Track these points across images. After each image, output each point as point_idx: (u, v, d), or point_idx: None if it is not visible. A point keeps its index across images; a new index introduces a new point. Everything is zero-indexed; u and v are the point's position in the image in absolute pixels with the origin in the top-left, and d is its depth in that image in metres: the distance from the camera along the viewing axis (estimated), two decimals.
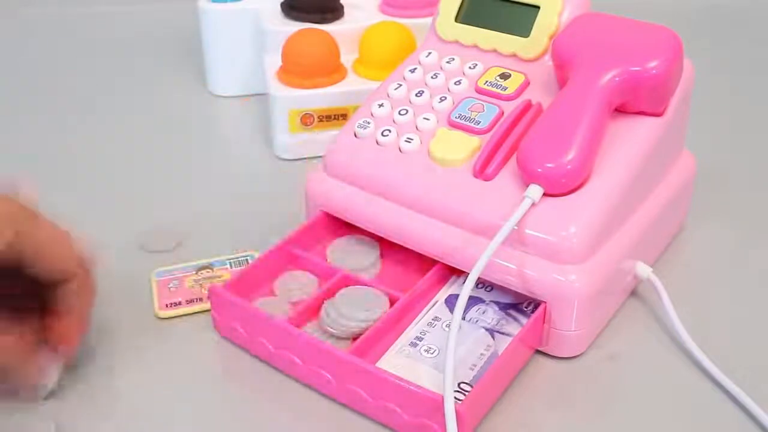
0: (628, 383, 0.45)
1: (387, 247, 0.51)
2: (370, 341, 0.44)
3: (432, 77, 0.53)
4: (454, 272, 0.49)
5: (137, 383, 0.44)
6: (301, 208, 0.54)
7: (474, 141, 0.48)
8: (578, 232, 0.43)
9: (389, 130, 0.50)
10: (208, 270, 0.51)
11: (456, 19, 0.55)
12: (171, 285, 0.50)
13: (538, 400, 0.43)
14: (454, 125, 0.50)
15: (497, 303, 0.47)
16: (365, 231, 0.50)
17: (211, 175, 0.64)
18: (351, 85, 0.65)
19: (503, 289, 0.46)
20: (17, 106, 0.75)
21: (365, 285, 0.47)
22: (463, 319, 0.46)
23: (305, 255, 0.50)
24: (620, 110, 0.47)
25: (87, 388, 0.44)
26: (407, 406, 0.40)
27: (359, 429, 0.41)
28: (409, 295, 0.46)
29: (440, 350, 0.44)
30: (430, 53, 0.55)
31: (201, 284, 0.50)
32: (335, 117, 0.65)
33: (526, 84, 0.51)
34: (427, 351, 0.44)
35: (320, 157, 0.53)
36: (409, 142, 0.49)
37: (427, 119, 0.50)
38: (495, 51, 0.53)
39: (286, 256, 0.50)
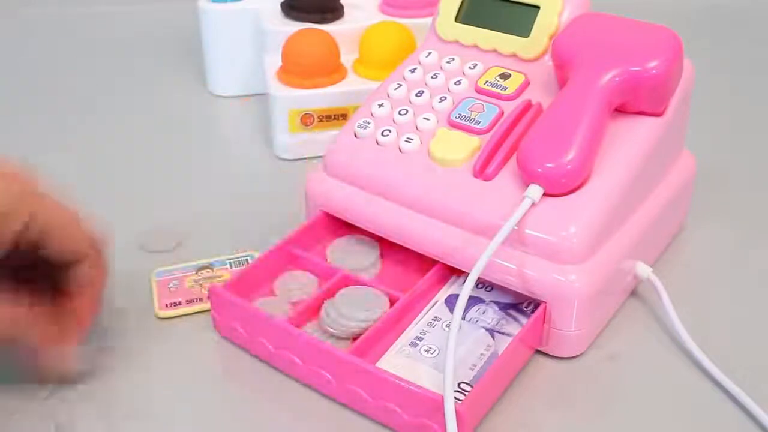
0: (628, 383, 0.45)
1: (387, 247, 0.51)
2: (370, 341, 0.44)
3: (432, 77, 0.53)
4: (454, 272, 0.49)
5: (137, 383, 0.44)
6: (301, 208, 0.54)
7: (474, 141, 0.48)
8: (578, 232, 0.43)
9: (389, 130, 0.50)
10: (208, 270, 0.51)
11: (456, 19, 0.55)
12: (171, 285, 0.50)
13: (538, 400, 0.43)
14: (454, 125, 0.50)
15: (497, 303, 0.47)
16: (365, 231, 0.50)
17: (211, 175, 0.64)
18: (351, 85, 0.65)
19: (503, 289, 0.46)
20: (17, 106, 0.75)
21: (365, 285, 0.47)
22: (463, 319, 0.46)
23: (305, 255, 0.50)
24: (620, 110, 0.47)
25: (87, 388, 0.44)
26: (407, 406, 0.40)
27: (359, 429, 0.41)
28: (409, 295, 0.46)
29: (440, 350, 0.44)
30: (430, 53, 0.55)
31: (201, 284, 0.50)
32: (335, 117, 0.65)
33: (526, 84, 0.51)
34: (427, 351, 0.44)
35: (320, 157, 0.53)
36: (409, 142, 0.49)
37: (427, 119, 0.50)
38: (495, 51, 0.53)
39: (286, 256, 0.50)
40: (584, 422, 0.42)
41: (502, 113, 0.49)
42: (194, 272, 0.51)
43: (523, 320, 0.46)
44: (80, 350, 0.43)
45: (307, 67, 0.64)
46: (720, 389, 0.43)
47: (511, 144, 0.47)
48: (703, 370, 0.45)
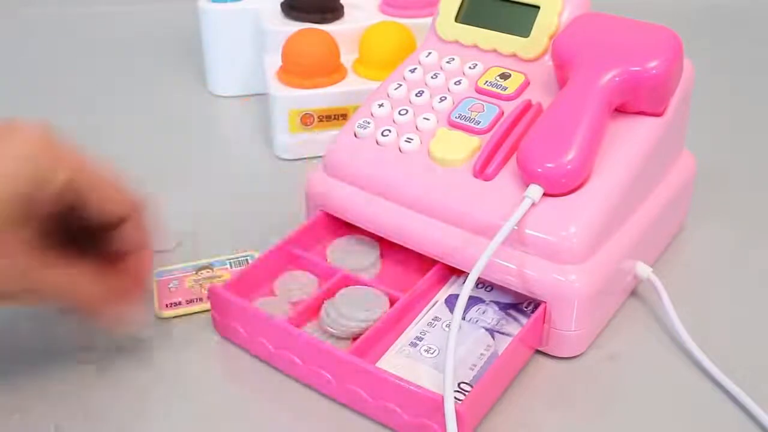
0: (628, 383, 0.45)
1: (387, 247, 0.51)
2: (370, 341, 0.44)
3: (432, 77, 0.53)
4: (454, 272, 0.49)
5: (137, 383, 0.44)
6: (301, 208, 0.54)
7: (474, 141, 0.48)
8: (578, 232, 0.43)
9: (389, 130, 0.50)
10: (208, 270, 0.51)
11: (456, 19, 0.55)
12: (171, 285, 0.50)
13: (538, 400, 0.43)
14: (454, 125, 0.50)
15: (497, 303, 0.47)
16: (365, 231, 0.50)
17: (211, 175, 0.64)
18: (351, 85, 0.65)
19: (503, 289, 0.46)
20: (17, 106, 0.74)
21: (365, 285, 0.47)
22: (463, 319, 0.46)
23: (305, 255, 0.50)
24: (620, 110, 0.47)
25: (86, 388, 0.44)
26: (407, 406, 0.40)
27: (359, 429, 0.41)
28: (409, 295, 0.46)
29: (440, 350, 0.44)
30: (430, 53, 0.55)
31: (201, 284, 0.50)
32: (335, 117, 0.65)
33: (526, 84, 0.51)
34: (427, 351, 0.44)
35: (320, 157, 0.53)
36: (409, 142, 0.49)
37: (427, 119, 0.50)
38: (495, 51, 0.53)
39: (286, 256, 0.50)
40: (584, 422, 0.42)
41: (502, 113, 0.49)
42: (194, 272, 0.51)
43: (523, 320, 0.46)
44: (135, 312, 0.43)
45: (307, 67, 0.64)
46: (720, 389, 0.43)
47: (511, 144, 0.47)
48: (703, 370, 0.45)
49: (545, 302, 0.44)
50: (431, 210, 0.47)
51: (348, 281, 0.48)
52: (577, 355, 0.46)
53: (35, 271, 0.38)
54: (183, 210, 0.59)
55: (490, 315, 0.46)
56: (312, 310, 0.46)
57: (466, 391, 0.41)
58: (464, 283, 0.42)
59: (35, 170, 0.37)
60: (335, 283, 0.47)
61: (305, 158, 0.65)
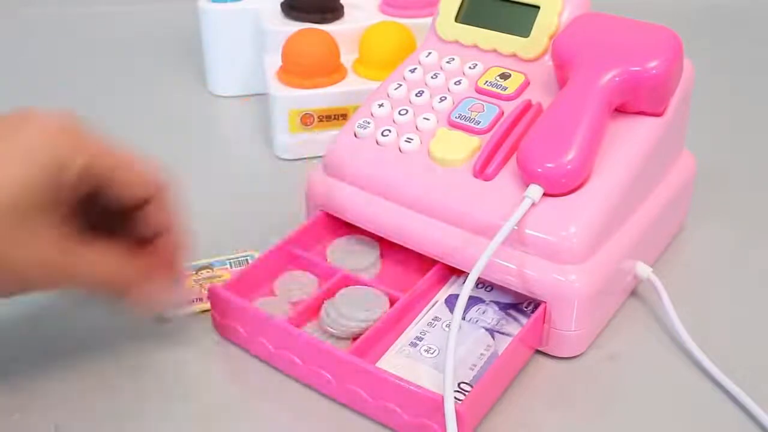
0: (628, 383, 0.45)
1: (387, 247, 0.51)
2: (370, 341, 0.44)
3: (432, 77, 0.53)
4: (454, 272, 0.49)
5: (137, 383, 0.44)
6: (301, 208, 0.54)
7: (474, 141, 0.48)
8: (578, 232, 0.43)
9: (389, 130, 0.50)
10: (208, 270, 0.51)
11: (456, 19, 0.55)
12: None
13: (538, 400, 0.43)
14: (454, 125, 0.50)
15: (497, 303, 0.47)
16: (365, 231, 0.50)
17: (211, 175, 0.64)
18: (351, 85, 0.65)
19: (503, 289, 0.46)
20: (17, 106, 0.75)
21: (365, 285, 0.47)
22: (463, 319, 0.46)
23: (305, 255, 0.50)
24: (620, 110, 0.47)
25: (86, 388, 0.44)
26: (407, 406, 0.40)
27: (359, 429, 0.41)
28: (409, 295, 0.46)
29: (440, 350, 0.44)
30: (430, 53, 0.55)
31: (201, 284, 0.50)
32: (335, 117, 0.65)
33: (526, 84, 0.51)
34: (427, 351, 0.44)
35: (320, 157, 0.53)
36: (409, 142, 0.49)
37: (427, 119, 0.50)
38: (495, 51, 0.53)
39: (286, 256, 0.50)
40: (584, 422, 0.42)
41: (502, 113, 0.49)
42: (194, 272, 0.51)
43: (523, 320, 0.46)
44: (165, 293, 0.43)
45: (307, 67, 0.64)
46: (720, 389, 0.43)
47: (511, 144, 0.47)
48: (703, 370, 0.45)
49: (545, 302, 0.44)
50: (431, 210, 0.47)
51: (348, 281, 0.48)
52: (577, 355, 0.46)
53: (65, 257, 0.38)
54: (183, 210, 0.59)
55: (490, 315, 0.46)
56: (312, 310, 0.46)
57: (466, 391, 0.41)
58: (464, 283, 0.42)
59: (54, 156, 0.37)
60: (335, 283, 0.47)
61: (305, 158, 0.65)
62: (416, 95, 0.52)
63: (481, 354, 0.44)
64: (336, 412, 0.42)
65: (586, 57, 0.46)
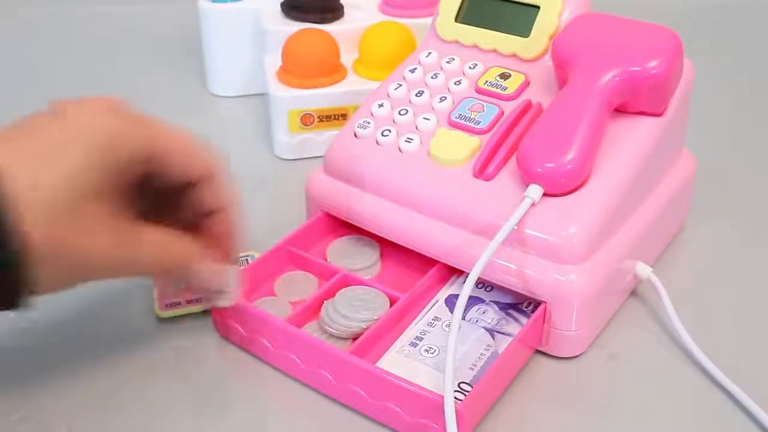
0: (628, 383, 0.45)
1: (387, 247, 0.51)
2: (370, 341, 0.44)
3: (432, 77, 0.53)
4: (454, 272, 0.49)
5: (137, 383, 0.44)
6: (301, 208, 0.54)
7: (474, 141, 0.48)
8: (578, 232, 0.43)
9: (389, 130, 0.50)
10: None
11: (456, 19, 0.55)
12: (171, 285, 0.50)
13: (538, 400, 0.43)
14: (454, 125, 0.50)
15: (497, 303, 0.47)
16: (365, 231, 0.50)
17: None
18: (351, 85, 0.65)
19: (503, 289, 0.46)
20: (17, 106, 0.74)
21: (365, 285, 0.47)
22: (463, 319, 0.46)
23: (305, 255, 0.50)
24: (620, 110, 0.47)
25: (86, 388, 0.44)
26: (407, 406, 0.40)
27: (359, 429, 0.41)
28: (409, 295, 0.46)
29: (440, 350, 0.44)
30: (430, 53, 0.55)
31: None
32: (335, 117, 0.65)
33: (526, 84, 0.51)
34: (427, 351, 0.44)
35: (320, 157, 0.53)
36: (409, 142, 0.49)
37: (427, 119, 0.50)
38: (495, 51, 0.53)
39: (286, 256, 0.50)
40: (584, 422, 0.42)
41: (502, 113, 0.49)
42: None
43: (523, 320, 0.46)
44: (222, 273, 0.43)
45: (307, 67, 0.64)
46: (720, 389, 0.43)
47: (511, 144, 0.47)
48: (703, 370, 0.45)
49: (545, 302, 0.44)
50: (431, 210, 0.47)
51: (348, 281, 0.48)
52: (577, 355, 0.46)
53: (125, 243, 0.38)
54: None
55: (490, 315, 0.46)
56: (312, 310, 0.46)
57: (466, 391, 0.41)
58: (464, 283, 0.42)
59: (109, 139, 0.37)
60: (335, 283, 0.47)
61: (305, 158, 0.65)
62: (416, 95, 0.52)
63: (481, 354, 0.44)
64: (336, 412, 0.42)
65: (586, 57, 0.46)
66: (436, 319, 0.46)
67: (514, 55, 0.53)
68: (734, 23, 0.95)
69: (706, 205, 0.58)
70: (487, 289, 0.48)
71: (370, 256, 0.51)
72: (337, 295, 0.47)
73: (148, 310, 0.48)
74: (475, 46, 0.54)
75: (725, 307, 0.50)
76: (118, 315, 0.48)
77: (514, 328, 0.45)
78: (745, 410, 0.42)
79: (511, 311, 0.46)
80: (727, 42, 0.90)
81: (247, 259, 0.52)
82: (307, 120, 0.64)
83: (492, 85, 0.51)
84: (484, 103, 0.50)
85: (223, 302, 0.44)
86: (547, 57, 0.51)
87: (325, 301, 0.46)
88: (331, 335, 0.45)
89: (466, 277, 0.42)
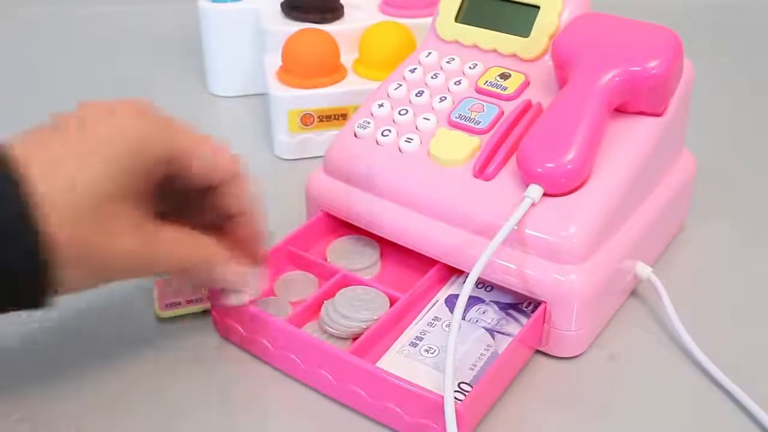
0: (628, 383, 0.45)
1: (387, 247, 0.51)
2: (370, 341, 0.44)
3: (432, 77, 0.53)
4: (454, 272, 0.49)
5: (137, 383, 0.44)
6: (301, 208, 0.54)
7: (474, 141, 0.48)
8: (578, 232, 0.43)
9: (389, 130, 0.50)
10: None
11: (456, 19, 0.55)
12: (171, 285, 0.50)
13: (538, 400, 0.43)
14: (454, 125, 0.50)
15: (497, 303, 0.47)
16: (365, 231, 0.50)
17: None
18: (351, 85, 0.65)
19: (503, 289, 0.46)
20: (17, 106, 0.75)
21: (365, 285, 0.47)
22: (463, 319, 0.46)
23: (305, 255, 0.50)
24: (620, 110, 0.47)
25: (83, 388, 0.44)
26: (407, 406, 0.40)
27: (359, 429, 0.41)
28: (409, 295, 0.46)
29: (440, 350, 0.44)
30: (430, 53, 0.55)
31: None
32: (335, 117, 0.65)
33: (526, 84, 0.51)
34: (427, 351, 0.44)
35: (320, 157, 0.53)
36: (409, 142, 0.49)
37: (427, 119, 0.50)
38: (495, 51, 0.53)
39: (286, 256, 0.50)
40: (584, 422, 0.42)
41: (502, 113, 0.49)
42: None
43: (523, 320, 0.46)
44: (246, 274, 0.43)
45: (307, 67, 0.64)
46: (720, 389, 0.43)
47: (511, 144, 0.47)
48: (703, 370, 0.45)
49: (545, 302, 0.44)
50: (431, 210, 0.47)
51: (348, 281, 0.48)
52: (577, 355, 0.46)
53: (148, 243, 0.39)
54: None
55: (490, 315, 0.46)
56: (312, 310, 0.46)
57: (466, 391, 0.41)
58: (464, 283, 0.42)
59: (134, 140, 0.38)
60: (335, 283, 0.47)
61: (305, 158, 0.65)
62: (416, 95, 0.52)
63: (481, 354, 0.44)
64: (336, 412, 0.42)
65: (586, 57, 0.46)
66: (436, 319, 0.46)
67: (514, 55, 0.53)
68: (734, 23, 0.95)
69: (706, 205, 0.58)
70: (487, 289, 0.48)
71: (370, 256, 0.51)
72: (337, 295, 0.47)
73: (148, 310, 0.48)
74: (475, 46, 0.54)
75: (725, 307, 0.50)
76: (118, 315, 0.48)
77: (514, 328, 0.45)
78: (745, 410, 0.42)
79: (511, 311, 0.46)
80: (727, 42, 0.91)
81: None
82: (307, 120, 0.64)
83: (492, 85, 0.51)
84: (484, 103, 0.50)
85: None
86: (547, 57, 0.51)
87: (325, 301, 0.46)
88: (331, 335, 0.45)
89: (466, 277, 0.42)
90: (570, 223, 0.43)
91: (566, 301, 0.43)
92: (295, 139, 0.65)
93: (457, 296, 0.42)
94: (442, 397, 0.38)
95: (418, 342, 0.44)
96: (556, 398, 0.43)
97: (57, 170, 0.36)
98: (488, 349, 0.44)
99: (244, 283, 0.43)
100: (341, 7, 0.72)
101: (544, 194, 0.44)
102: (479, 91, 0.51)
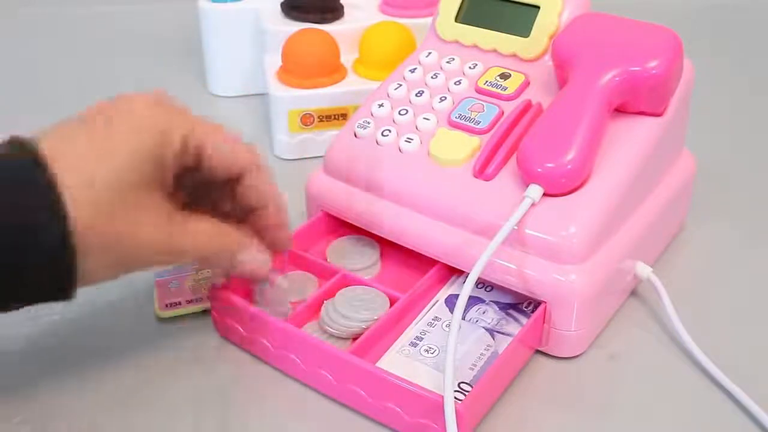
0: (628, 383, 0.45)
1: (387, 247, 0.51)
2: (370, 341, 0.44)
3: (432, 77, 0.53)
4: (454, 272, 0.49)
5: (137, 383, 0.44)
6: (301, 208, 0.54)
7: (474, 141, 0.48)
8: (578, 232, 0.43)
9: (389, 130, 0.50)
10: (209, 270, 0.51)
11: (456, 19, 0.55)
12: (171, 285, 0.50)
13: (538, 400, 0.43)
14: (454, 125, 0.50)
15: (497, 303, 0.47)
16: (365, 231, 0.50)
17: None
18: (351, 85, 0.65)
19: (503, 289, 0.46)
20: (17, 106, 0.75)
21: (365, 285, 0.47)
22: (463, 319, 0.46)
23: (305, 255, 0.50)
24: (620, 110, 0.47)
25: (82, 389, 0.44)
26: (407, 406, 0.40)
27: (359, 429, 0.41)
28: (409, 295, 0.46)
29: (440, 350, 0.44)
30: (430, 53, 0.55)
31: (201, 284, 0.50)
32: (335, 117, 0.65)
33: (526, 84, 0.51)
34: (427, 351, 0.44)
35: (320, 157, 0.53)
36: (409, 142, 0.49)
37: (427, 119, 0.50)
38: (495, 51, 0.53)
39: (286, 256, 0.50)
40: (584, 422, 0.42)
41: (502, 113, 0.49)
42: (194, 272, 0.51)
43: (523, 320, 0.46)
44: (266, 264, 0.44)
45: (307, 67, 0.64)
46: (720, 389, 0.43)
47: (511, 144, 0.47)
48: (703, 370, 0.45)
49: (545, 302, 0.44)
50: (431, 210, 0.47)
51: (348, 281, 0.48)
52: (577, 355, 0.46)
53: (172, 233, 0.39)
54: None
55: (490, 315, 0.46)
56: (312, 310, 0.46)
57: (466, 391, 0.41)
58: (464, 283, 0.42)
59: (157, 132, 0.38)
60: (335, 283, 0.47)
61: (305, 158, 0.65)
62: (416, 95, 0.52)
63: (481, 354, 0.44)
64: (336, 412, 0.42)
65: (586, 57, 0.46)
66: (436, 319, 0.46)
67: (514, 55, 0.53)
68: (734, 23, 0.95)
69: (706, 205, 0.58)
70: (487, 289, 0.48)
71: (370, 256, 0.51)
72: (337, 295, 0.47)
73: (148, 310, 0.48)
74: (475, 46, 0.54)
75: (725, 307, 0.50)
76: (118, 315, 0.48)
77: (514, 328, 0.45)
78: (745, 410, 0.42)
79: (511, 311, 0.46)
80: (727, 42, 0.91)
81: None
82: (307, 120, 0.64)
83: (492, 85, 0.51)
84: (484, 103, 0.50)
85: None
86: (547, 57, 0.51)
87: (325, 301, 0.46)
88: (331, 335, 0.45)
89: (466, 277, 0.42)
90: (570, 223, 0.43)
91: (566, 301, 0.43)
92: (295, 139, 0.65)
93: (457, 296, 0.42)
94: (442, 397, 0.38)
95: (418, 342, 0.44)
96: (556, 398, 0.43)
97: (82, 163, 0.36)
98: (488, 349, 0.44)
99: (267, 273, 0.44)
100: (341, 7, 0.72)
101: (544, 194, 0.44)
102: (479, 91, 0.51)
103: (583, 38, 0.48)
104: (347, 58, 0.68)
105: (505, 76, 0.52)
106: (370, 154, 0.50)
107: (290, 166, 0.65)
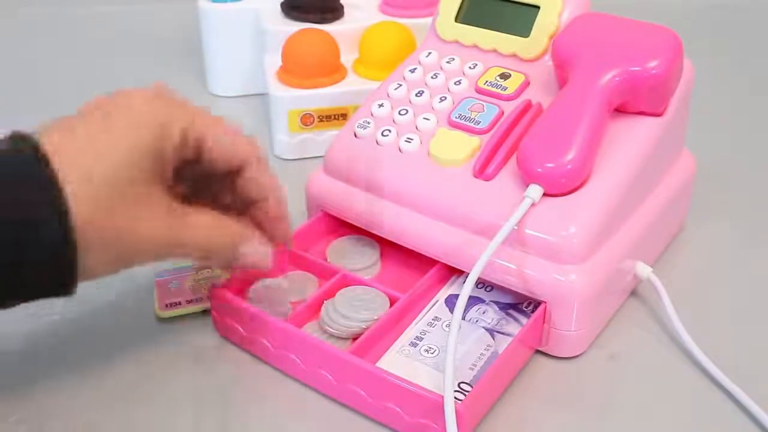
0: (628, 383, 0.45)
1: (387, 247, 0.51)
2: (370, 341, 0.44)
3: (432, 77, 0.53)
4: (454, 272, 0.49)
5: (137, 383, 0.44)
6: (301, 208, 0.54)
7: (474, 141, 0.48)
8: (578, 232, 0.43)
9: (389, 130, 0.50)
10: (208, 270, 0.51)
11: (456, 19, 0.55)
12: (171, 285, 0.50)
13: (538, 400, 0.43)
14: (454, 125, 0.50)
15: (497, 303, 0.47)
16: (365, 231, 0.50)
17: None
18: (351, 85, 0.65)
19: (503, 289, 0.46)
20: (17, 106, 0.75)
21: (365, 285, 0.47)
22: (463, 319, 0.46)
23: (305, 255, 0.50)
24: (620, 110, 0.47)
25: (82, 388, 0.44)
26: (407, 406, 0.40)
27: (359, 429, 0.41)
28: (409, 295, 0.46)
29: (440, 350, 0.44)
30: (430, 53, 0.55)
31: (201, 284, 0.50)
32: (335, 117, 0.65)
33: (526, 84, 0.51)
34: (427, 351, 0.44)
35: (320, 157, 0.53)
36: (409, 142, 0.49)
37: (427, 119, 0.50)
38: (495, 51, 0.53)
39: (286, 256, 0.50)
40: (584, 422, 0.42)
41: (502, 113, 0.49)
42: (194, 272, 0.51)
43: (523, 320, 0.46)
44: (267, 258, 0.44)
45: (307, 67, 0.64)
46: (720, 389, 0.43)
47: (511, 144, 0.47)
48: (703, 370, 0.45)
49: (545, 302, 0.44)
50: (431, 210, 0.47)
51: (348, 281, 0.48)
52: (577, 355, 0.46)
53: (173, 227, 0.39)
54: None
55: (490, 315, 0.46)
56: (312, 310, 0.46)
57: (466, 391, 0.41)
58: (464, 283, 0.42)
59: (157, 125, 0.38)
60: (335, 283, 0.47)
61: (305, 158, 0.65)
62: (416, 95, 0.52)
63: (481, 354, 0.44)
64: (336, 412, 0.42)
65: (586, 57, 0.46)
66: (436, 319, 0.46)
67: (514, 55, 0.53)
68: (734, 23, 0.95)
69: (706, 205, 0.58)
70: (487, 289, 0.48)
71: (370, 256, 0.51)
72: (337, 295, 0.47)
73: (148, 310, 0.48)
74: (475, 46, 0.54)
75: (725, 307, 0.50)
76: (118, 315, 0.48)
77: (514, 328, 0.45)
78: (745, 410, 0.42)
79: (511, 311, 0.46)
80: (727, 42, 0.91)
81: None
82: (307, 120, 0.64)
83: (492, 85, 0.51)
84: (484, 103, 0.50)
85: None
86: (547, 57, 0.51)
87: (325, 301, 0.46)
88: (331, 335, 0.45)
89: (466, 277, 0.42)
90: (570, 223, 0.43)
91: (566, 301, 0.43)
92: (295, 139, 0.65)
93: (457, 296, 0.42)
94: (442, 397, 0.38)
95: (418, 342, 0.44)
96: (556, 398, 0.43)
97: (82, 157, 0.36)
98: (488, 349, 0.44)
99: (268, 265, 0.44)
100: (341, 7, 0.72)
101: (544, 194, 0.44)
102: (479, 91, 0.51)
103: (583, 38, 0.48)
104: (347, 58, 0.68)
105: (505, 76, 0.52)
106: (370, 154, 0.50)
107: (290, 166, 0.65)
